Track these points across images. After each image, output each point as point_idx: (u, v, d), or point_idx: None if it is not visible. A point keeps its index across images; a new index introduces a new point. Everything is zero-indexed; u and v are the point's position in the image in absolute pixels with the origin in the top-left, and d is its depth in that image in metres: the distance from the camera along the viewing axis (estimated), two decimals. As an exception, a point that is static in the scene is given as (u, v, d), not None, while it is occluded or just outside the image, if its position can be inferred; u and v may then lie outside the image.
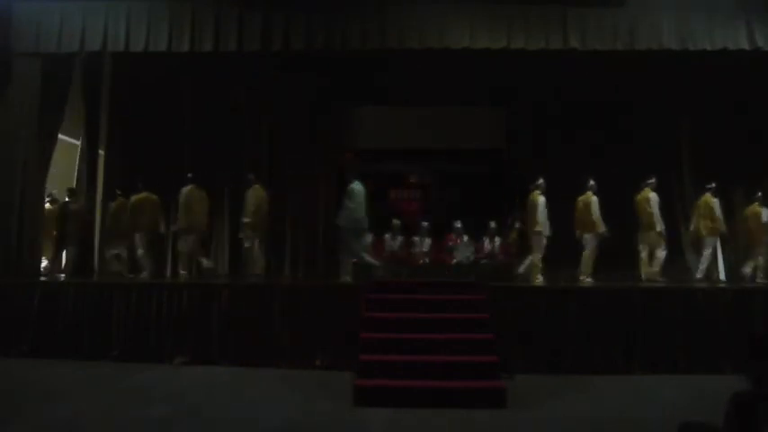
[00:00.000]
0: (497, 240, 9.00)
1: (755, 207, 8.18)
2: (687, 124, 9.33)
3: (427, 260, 8.84)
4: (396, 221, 9.20)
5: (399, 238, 9.13)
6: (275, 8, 7.83)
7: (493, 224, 9.03)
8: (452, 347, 5.71)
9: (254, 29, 7.79)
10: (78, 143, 9.65)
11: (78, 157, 9.64)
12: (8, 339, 6.84)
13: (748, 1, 7.80)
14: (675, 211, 9.11)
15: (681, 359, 6.41)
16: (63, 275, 8.43)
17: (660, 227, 7.91)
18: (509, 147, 10.47)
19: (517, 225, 9.09)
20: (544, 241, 7.85)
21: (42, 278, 7.99)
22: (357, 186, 7.42)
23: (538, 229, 7.75)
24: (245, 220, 8.35)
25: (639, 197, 8.10)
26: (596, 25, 7.80)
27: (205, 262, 8.46)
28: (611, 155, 9.36)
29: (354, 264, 7.55)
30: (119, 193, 8.84)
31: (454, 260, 8.73)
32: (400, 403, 5.02)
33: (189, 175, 8.39)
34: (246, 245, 8.48)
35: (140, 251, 8.28)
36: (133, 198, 8.44)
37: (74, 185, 9.34)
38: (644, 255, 8.07)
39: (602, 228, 7.77)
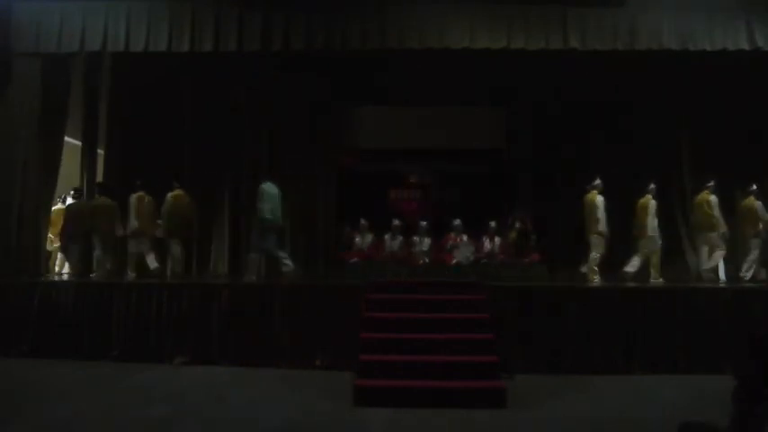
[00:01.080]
0: (497, 240, 8.99)
1: None
2: (687, 124, 9.33)
3: (427, 260, 8.83)
4: (396, 221, 9.20)
5: (399, 238, 9.11)
6: (275, 8, 7.83)
7: (493, 224, 9.03)
8: (452, 347, 5.71)
9: (254, 29, 7.79)
10: (79, 143, 9.63)
11: (80, 158, 9.63)
12: (8, 339, 6.84)
13: (748, 1, 7.81)
14: (675, 210, 9.10)
15: (681, 359, 6.41)
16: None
17: (723, 228, 8.00)
18: (509, 147, 10.47)
19: (517, 225, 9.08)
20: (603, 241, 7.92)
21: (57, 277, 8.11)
22: (267, 186, 7.81)
23: (601, 229, 7.83)
24: (158, 222, 8.38)
25: (699, 199, 8.12)
26: (596, 25, 7.80)
27: (151, 264, 8.33)
28: (611, 155, 9.36)
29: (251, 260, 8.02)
30: (75, 196, 8.96)
31: (454, 260, 8.72)
32: (400, 403, 5.02)
33: (138, 182, 8.44)
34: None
35: (97, 252, 8.36)
36: (94, 202, 8.55)
37: (78, 185, 9.35)
38: (704, 254, 8.10)
39: (650, 232, 7.86)
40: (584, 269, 8.10)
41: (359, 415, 4.82)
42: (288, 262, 7.81)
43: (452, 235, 8.98)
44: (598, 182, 8.02)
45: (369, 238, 9.16)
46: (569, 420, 4.72)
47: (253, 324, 6.69)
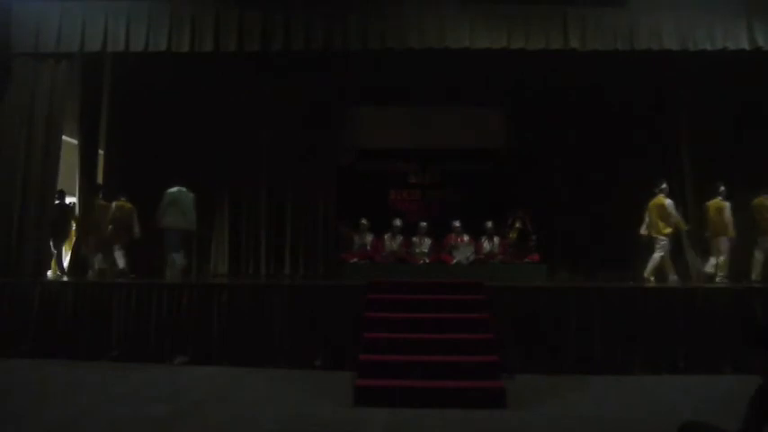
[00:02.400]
0: (497, 240, 9.00)
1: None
2: (687, 125, 9.33)
3: (427, 260, 8.84)
4: (396, 223, 9.20)
5: (399, 238, 9.11)
6: (275, 8, 7.84)
7: (491, 224, 9.03)
8: (452, 347, 5.71)
9: (253, 29, 7.80)
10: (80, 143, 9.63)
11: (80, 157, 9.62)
12: (8, 339, 6.83)
13: (748, 1, 7.81)
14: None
15: (681, 359, 6.41)
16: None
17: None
18: (509, 147, 10.47)
19: (517, 225, 9.10)
20: (665, 241, 7.97)
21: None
22: (177, 192, 8.01)
23: (667, 231, 7.88)
24: (109, 227, 8.71)
25: (756, 203, 8.11)
26: (596, 25, 7.81)
27: (97, 264, 8.83)
28: (611, 154, 9.36)
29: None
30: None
31: (454, 260, 8.72)
32: (400, 403, 5.02)
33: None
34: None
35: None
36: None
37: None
38: (760, 258, 8.07)
39: (732, 233, 7.90)
40: (647, 273, 8.01)
41: (359, 415, 4.82)
42: (178, 266, 7.99)
43: (453, 235, 8.98)
44: (665, 185, 8.07)
45: (369, 238, 9.16)
46: (569, 420, 4.72)
47: (253, 324, 6.69)
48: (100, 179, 9.55)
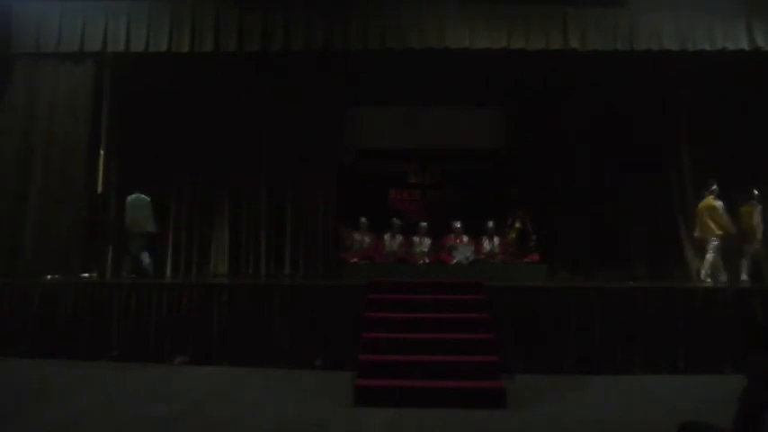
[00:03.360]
0: (497, 240, 9.00)
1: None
2: (687, 124, 9.33)
3: (427, 260, 8.83)
4: (396, 221, 9.19)
5: (399, 238, 9.11)
6: (275, 8, 7.84)
7: (491, 224, 9.03)
8: (452, 347, 5.71)
9: (254, 29, 7.80)
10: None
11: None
12: (8, 339, 6.84)
13: (748, 1, 7.81)
14: (675, 210, 9.10)
15: (681, 359, 6.41)
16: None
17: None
18: (510, 147, 10.46)
19: (517, 225, 9.09)
20: (716, 242, 7.98)
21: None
22: (133, 198, 8.29)
23: (719, 232, 7.88)
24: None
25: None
26: (596, 25, 7.82)
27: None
28: (611, 154, 9.36)
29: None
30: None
31: (454, 260, 8.72)
32: (400, 403, 5.03)
33: None
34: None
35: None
36: None
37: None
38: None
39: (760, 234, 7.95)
40: (703, 274, 8.04)
41: (359, 415, 4.82)
42: (148, 267, 8.17)
43: (452, 236, 8.98)
44: (715, 187, 8.04)
45: (369, 238, 9.15)
46: (569, 420, 4.72)
47: (253, 324, 6.69)
48: (100, 180, 9.55)
